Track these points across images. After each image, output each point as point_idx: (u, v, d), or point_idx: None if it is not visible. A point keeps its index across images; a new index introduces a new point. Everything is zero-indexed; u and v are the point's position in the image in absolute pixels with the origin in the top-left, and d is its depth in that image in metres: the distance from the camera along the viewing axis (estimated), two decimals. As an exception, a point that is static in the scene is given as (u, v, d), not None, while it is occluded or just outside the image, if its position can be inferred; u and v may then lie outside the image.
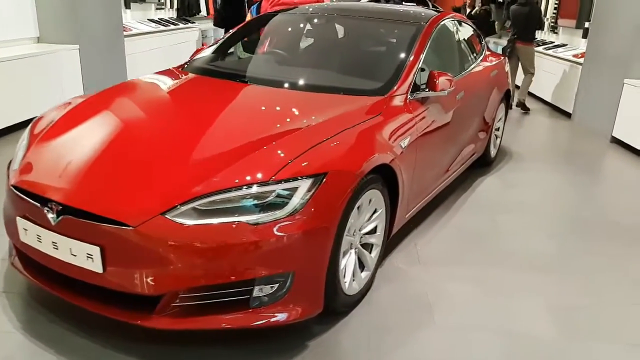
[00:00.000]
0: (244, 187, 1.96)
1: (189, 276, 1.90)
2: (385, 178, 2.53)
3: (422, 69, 3.13)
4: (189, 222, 1.89)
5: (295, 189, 1.99)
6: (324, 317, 2.35)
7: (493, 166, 4.82)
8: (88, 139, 2.32)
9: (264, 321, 2.01)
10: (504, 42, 8.94)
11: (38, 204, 2.04)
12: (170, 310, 1.95)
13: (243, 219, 1.91)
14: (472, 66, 4.03)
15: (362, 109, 2.62)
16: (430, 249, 3.13)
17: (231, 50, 3.66)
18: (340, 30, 3.59)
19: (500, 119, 4.87)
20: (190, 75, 3.15)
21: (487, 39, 11.18)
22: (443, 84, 2.96)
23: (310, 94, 2.82)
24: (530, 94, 8.64)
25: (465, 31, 4.30)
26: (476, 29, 4.62)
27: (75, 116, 2.54)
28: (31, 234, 2.09)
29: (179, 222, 1.88)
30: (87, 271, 1.97)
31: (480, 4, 11.04)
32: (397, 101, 2.82)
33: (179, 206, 1.90)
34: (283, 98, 2.82)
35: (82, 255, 1.96)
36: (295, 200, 1.98)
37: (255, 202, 1.95)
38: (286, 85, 2.94)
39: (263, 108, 2.68)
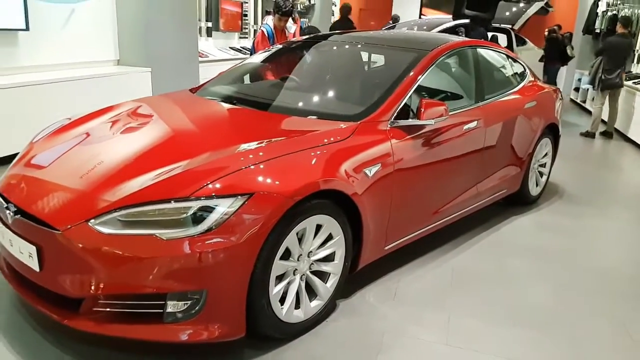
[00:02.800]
0: (163, 201, 2.01)
1: (105, 283, 1.98)
2: (346, 205, 2.46)
3: (424, 96, 3.02)
4: (108, 231, 1.97)
5: (213, 208, 2.00)
6: (262, 342, 2.32)
7: (534, 206, 4.44)
8: (55, 150, 2.53)
9: (180, 337, 2.03)
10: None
11: (5, 204, 2.25)
12: (92, 314, 2.04)
13: (157, 232, 1.96)
14: (498, 96, 3.79)
15: (327, 133, 2.58)
16: (412, 287, 2.95)
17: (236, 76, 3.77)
18: (340, 56, 3.57)
19: (545, 154, 4.50)
20: (185, 95, 3.31)
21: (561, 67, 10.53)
22: (430, 113, 2.82)
23: (281, 117, 2.84)
24: (617, 131, 7.94)
25: (497, 61, 4.07)
26: (519, 60, 4.35)
27: (63, 130, 2.79)
28: (1, 232, 2.31)
29: (98, 231, 1.98)
30: (29, 268, 2.14)
31: (547, 31, 10.48)
32: (374, 128, 2.73)
33: (101, 215, 2.00)
34: (250, 119, 2.86)
35: (26, 253, 2.12)
36: (212, 219, 1.99)
37: (172, 217, 1.99)
38: (262, 106, 2.98)
39: (222, 127, 2.75)
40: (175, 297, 2.00)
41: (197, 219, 1.99)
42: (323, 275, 2.51)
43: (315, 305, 2.47)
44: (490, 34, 10.10)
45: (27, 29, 5.21)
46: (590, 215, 4.36)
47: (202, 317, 2.02)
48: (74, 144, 2.59)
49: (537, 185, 4.49)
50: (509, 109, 3.83)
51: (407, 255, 3.25)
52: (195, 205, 2.00)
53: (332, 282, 2.53)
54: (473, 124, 3.37)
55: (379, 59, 3.46)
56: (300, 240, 2.32)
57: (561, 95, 4.85)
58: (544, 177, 4.59)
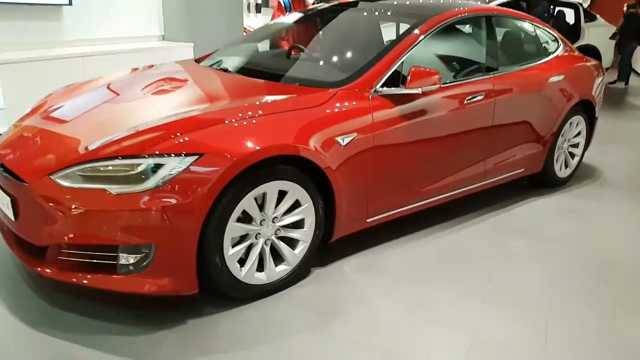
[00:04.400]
0: (114, 158, 2.09)
1: (65, 233, 2.10)
2: (316, 173, 2.44)
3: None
4: (67, 184, 2.09)
5: (161, 165, 2.06)
6: (224, 300, 2.37)
7: (560, 188, 4.16)
8: (44, 113, 2.69)
9: (132, 288, 2.13)
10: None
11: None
12: (57, 262, 2.18)
13: (108, 187, 2.05)
14: (515, 68, 3.55)
15: (299, 99, 2.55)
16: (394, 260, 2.88)
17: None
18: (338, 24, 3.48)
19: (578, 133, 4.19)
20: (185, 64, 3.38)
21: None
22: (419, 82, 2.71)
23: (263, 83, 2.84)
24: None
25: (518, 30, 3.82)
26: (549, 31, 4.05)
27: (55, 97, 2.95)
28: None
29: (59, 184, 2.10)
30: (8, 218, 2.31)
31: (626, 6, 9.56)
32: (355, 95, 2.66)
33: (63, 169, 2.12)
34: (231, 84, 2.90)
35: (5, 203, 2.30)
36: (159, 176, 2.05)
37: (122, 173, 2.07)
38: (249, 73, 2.99)
39: (198, 91, 2.79)
40: (126, 249, 2.09)
41: (145, 176, 2.05)
42: (293, 242, 2.52)
43: (281, 270, 2.48)
44: (557, 9, 9.48)
45: (70, 3, 5.52)
46: (621, 200, 4.02)
47: (152, 270, 2.10)
48: (61, 105, 2.74)
49: (566, 166, 4.20)
50: (528, 82, 3.58)
51: (400, 229, 3.17)
52: (143, 162, 2.07)
53: (301, 248, 2.53)
54: (479, 97, 3.19)
55: (382, 27, 3.35)
56: (263, 204, 2.33)
57: (603, 71, 4.47)
58: (576, 159, 4.27)
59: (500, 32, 3.62)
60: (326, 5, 3.81)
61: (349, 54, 3.19)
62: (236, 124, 2.28)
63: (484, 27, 3.42)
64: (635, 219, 3.71)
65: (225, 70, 3.10)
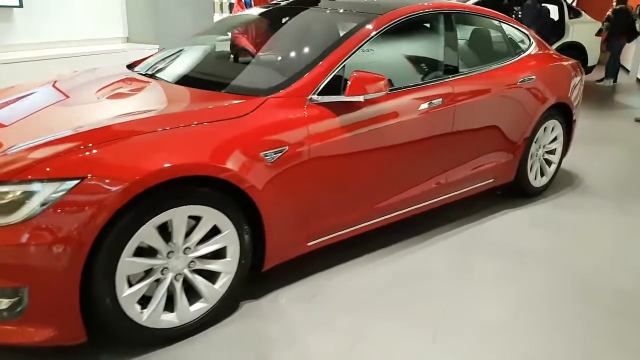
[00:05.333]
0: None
1: None
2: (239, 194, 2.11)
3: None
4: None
5: (33, 193, 1.73)
6: (128, 347, 2.04)
7: (536, 198, 3.84)
8: None
9: (9, 339, 1.79)
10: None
11: None
12: None
13: (-27, 219, 1.71)
14: (478, 70, 3.23)
15: (219, 109, 2.22)
16: (342, 288, 2.55)
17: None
18: (292, 24, 3.15)
19: (554, 139, 3.87)
20: (110, 70, 3.04)
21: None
22: (361, 88, 2.38)
23: (184, 89, 2.53)
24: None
25: (484, 29, 3.51)
26: (519, 28, 3.73)
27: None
28: None
29: None
30: None
31: (616, 1, 9.27)
32: (287, 104, 2.34)
33: None
34: (148, 92, 2.59)
35: None
36: (31, 206, 1.71)
37: (-8, 202, 1.73)
38: (175, 79, 2.67)
39: (107, 103, 2.47)
40: (-3, 293, 1.75)
41: (15, 205, 1.72)
42: (213, 275, 2.19)
43: (198, 308, 2.15)
44: (541, 5, 9.18)
45: (21, 5, 5.17)
46: (604, 209, 3.70)
47: (28, 317, 1.77)
48: None
49: (542, 175, 3.88)
50: (493, 85, 3.26)
51: (351, 250, 2.84)
52: (12, 190, 1.73)
53: (222, 282, 2.20)
54: (435, 102, 2.87)
55: (323, 28, 3.01)
56: (170, 234, 2.00)
57: (582, 71, 4.16)
58: (553, 166, 3.95)
59: (463, 31, 3.30)
60: (284, 2, 3.48)
61: (289, 58, 2.86)
62: (135, 140, 1.94)
63: (443, 26, 3.08)
64: (620, 231, 3.40)
65: (152, 77, 2.77)
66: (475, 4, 8.02)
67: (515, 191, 3.76)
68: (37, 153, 1.84)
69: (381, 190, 2.76)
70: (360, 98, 2.42)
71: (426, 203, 3.07)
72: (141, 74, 2.81)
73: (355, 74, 2.40)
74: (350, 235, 2.70)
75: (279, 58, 2.88)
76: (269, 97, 2.33)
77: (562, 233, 3.30)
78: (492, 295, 2.58)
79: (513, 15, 8.22)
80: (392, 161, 2.74)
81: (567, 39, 8.59)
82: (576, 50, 8.65)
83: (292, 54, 2.87)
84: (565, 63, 4.00)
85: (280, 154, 2.21)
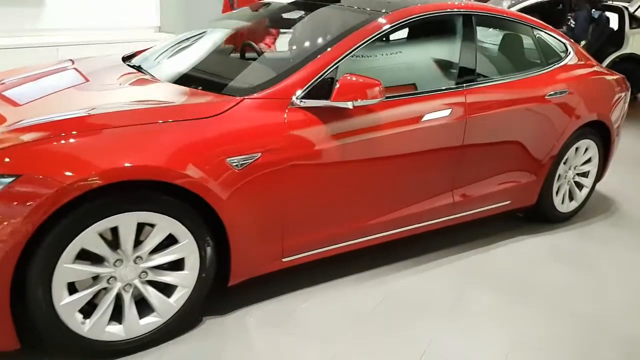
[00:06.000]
0: None
1: None
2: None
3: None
4: None
5: (-40, 190, 1.60)
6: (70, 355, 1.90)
7: (561, 225, 3.47)
8: None
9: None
10: None
11: None
12: None
13: None
14: (501, 79, 2.92)
15: (186, 108, 2.04)
16: (318, 312, 2.33)
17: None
18: (281, 21, 2.94)
19: (588, 160, 3.49)
20: (104, 61, 2.90)
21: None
22: (351, 93, 2.15)
23: (160, 84, 2.35)
24: None
25: (510, 34, 3.18)
26: (555, 35, 3.37)
27: None
28: None
29: None
30: None
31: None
32: (266, 106, 2.13)
33: None
34: (125, 85, 2.43)
35: None
36: (-43, 204, 1.58)
37: None
38: (159, 73, 2.49)
39: (77, 94, 2.32)
40: None
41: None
42: (170, 287, 2.01)
43: (149, 322, 1.98)
44: (598, 13, 8.55)
45: (51, -10, 5.20)
46: (636, 246, 3.30)
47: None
48: None
49: (571, 199, 3.50)
50: (515, 96, 2.93)
51: (335, 269, 2.61)
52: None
53: (178, 296, 2.02)
54: (444, 113, 2.59)
55: (324, 26, 2.77)
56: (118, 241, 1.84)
57: (627, 87, 3.74)
58: (584, 191, 3.56)
59: (488, 37, 2.99)
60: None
61: (278, 56, 2.65)
62: (82, 138, 1.79)
63: (459, 29, 2.78)
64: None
65: (139, 69, 2.61)
66: (525, 9, 7.58)
67: (538, 215, 3.41)
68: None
69: (372, 207, 2.51)
70: (349, 105, 2.18)
71: (427, 223, 2.79)
72: (130, 66, 2.67)
73: (344, 78, 2.17)
74: (332, 254, 2.47)
75: (268, 56, 2.67)
76: (245, 97, 2.12)
77: (581, 270, 2.93)
78: (484, 335, 2.29)
79: (569, 23, 7.69)
80: (386, 176, 2.49)
81: (625, 50, 7.96)
82: (635, 63, 8.02)
83: (282, 52, 2.66)
84: (608, 77, 3.61)
85: (250, 160, 2.01)
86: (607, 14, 8.32)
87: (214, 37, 3.03)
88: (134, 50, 3.06)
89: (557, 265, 2.96)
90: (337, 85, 2.16)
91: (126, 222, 1.81)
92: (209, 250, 2.02)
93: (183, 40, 3.02)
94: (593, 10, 8.34)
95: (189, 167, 1.87)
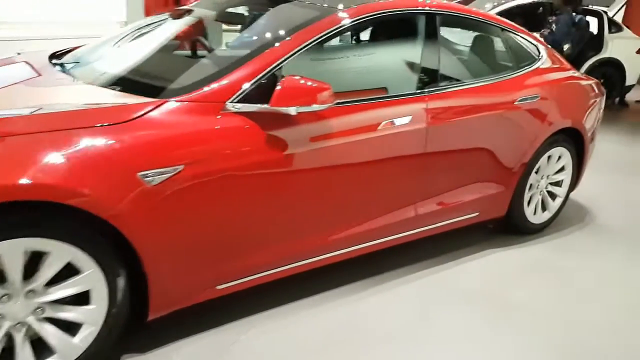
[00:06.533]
0: None
1: None
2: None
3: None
4: None
5: None
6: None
7: (536, 236, 3.23)
8: None
9: None
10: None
11: None
12: None
13: None
14: (465, 84, 2.68)
15: (89, 113, 1.75)
16: (260, 345, 2.05)
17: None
18: (225, 17, 2.67)
19: (561, 169, 3.27)
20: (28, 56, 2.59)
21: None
22: (288, 97, 1.88)
23: (77, 86, 2.08)
24: None
25: (478, 35, 2.95)
26: (528, 37, 3.15)
27: None
28: None
29: None
30: None
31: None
32: (195, 111, 1.85)
33: None
34: (40, 85, 2.17)
35: None
36: None
37: None
38: (82, 73, 2.22)
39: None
40: None
41: None
42: (74, 325, 1.72)
43: (47, 364, 1.69)
44: (578, 17, 8.43)
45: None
46: (614, 256, 3.06)
47: None
48: None
49: (543, 209, 3.28)
50: (481, 102, 2.69)
51: (282, 294, 2.33)
52: None
53: (84, 334, 1.73)
54: (403, 121, 2.34)
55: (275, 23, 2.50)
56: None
57: (602, 92, 3.54)
58: (558, 200, 3.34)
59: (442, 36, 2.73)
60: None
61: (221, 55, 2.38)
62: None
63: (422, 29, 2.53)
64: (626, 287, 2.77)
65: (62, 68, 2.31)
66: (504, 12, 7.41)
67: (509, 227, 3.19)
68: None
69: (322, 223, 2.25)
70: (291, 110, 1.91)
71: (388, 239, 2.54)
72: (56, 65, 2.37)
73: (287, 80, 1.91)
74: (278, 277, 2.20)
75: (211, 54, 2.39)
76: (168, 100, 1.84)
77: (556, 287, 2.70)
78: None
79: (550, 27, 7.52)
80: (338, 190, 2.23)
81: (604, 54, 7.86)
82: (614, 68, 7.91)
83: (225, 50, 2.39)
84: (582, 82, 3.40)
85: (169, 174, 1.73)
86: (587, 18, 8.21)
87: (166, 30, 2.74)
88: (71, 47, 2.75)
89: (530, 281, 2.73)
90: (278, 88, 1.89)
91: (10, 251, 1.52)
92: (120, 281, 1.73)
93: (130, 33, 2.72)
94: (574, 14, 8.20)
95: (86, 184, 1.58)
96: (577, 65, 7.67)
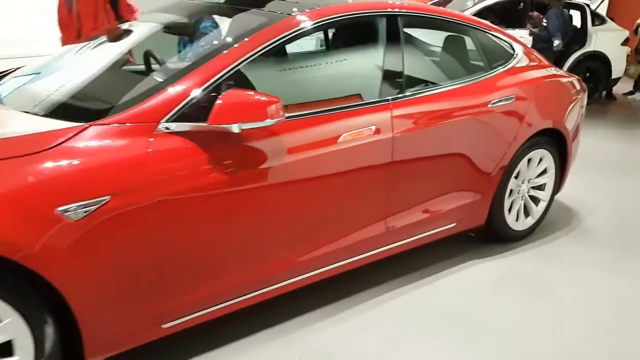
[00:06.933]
0: None
1: None
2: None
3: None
4: None
5: None
6: None
7: (517, 244, 3.07)
8: None
9: None
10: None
11: None
12: None
13: None
14: (434, 88, 2.52)
15: (8, 142, 1.58)
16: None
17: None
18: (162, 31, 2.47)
19: (544, 171, 3.11)
20: None
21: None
22: (229, 113, 1.71)
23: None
24: None
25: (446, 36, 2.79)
26: (501, 35, 2.99)
27: None
28: None
29: None
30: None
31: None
32: (122, 134, 1.68)
33: None
34: None
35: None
36: None
37: None
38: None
39: None
40: None
41: None
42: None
43: None
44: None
45: None
46: (601, 263, 2.90)
47: None
48: None
49: (526, 215, 3.12)
50: (450, 108, 2.52)
51: (243, 326, 2.16)
52: None
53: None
54: (366, 132, 2.17)
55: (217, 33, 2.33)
56: None
57: (584, 89, 3.38)
58: (542, 205, 3.18)
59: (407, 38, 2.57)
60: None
61: (161, 70, 2.20)
62: None
63: (383, 33, 2.35)
64: (611, 299, 2.61)
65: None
66: (485, 9, 7.27)
67: (491, 235, 3.02)
68: None
69: (278, 247, 2.07)
70: (234, 127, 1.74)
71: (356, 258, 2.37)
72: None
73: (227, 95, 1.74)
74: (234, 309, 2.02)
75: (155, 69, 2.22)
76: (90, 124, 1.67)
77: (539, 302, 2.53)
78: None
79: (542, 23, 7.37)
80: (292, 210, 2.05)
81: (588, 48, 7.73)
82: (599, 61, 7.78)
83: (164, 65, 2.22)
84: (563, 79, 3.25)
85: (94, 207, 1.55)
86: (570, 12, 8.08)
87: (108, 47, 2.56)
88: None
89: (508, 297, 2.56)
90: (218, 104, 1.72)
91: None
92: (47, 329, 1.56)
93: (69, 52, 2.54)
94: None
95: (17, 221, 1.41)
96: (561, 61, 7.60)
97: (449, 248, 2.90)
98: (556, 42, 7.16)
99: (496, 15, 7.33)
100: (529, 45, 7.08)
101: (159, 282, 1.76)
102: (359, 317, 2.30)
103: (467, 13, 6.76)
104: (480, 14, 6.95)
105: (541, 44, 7.34)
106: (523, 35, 7.15)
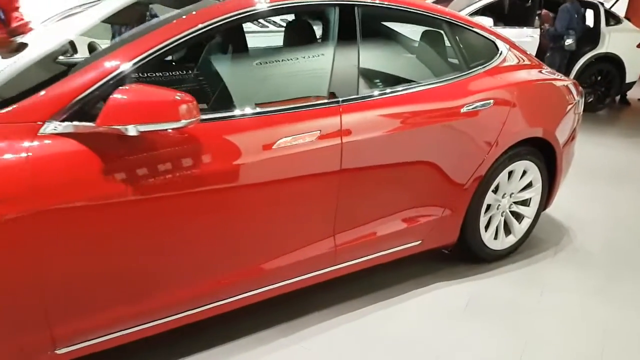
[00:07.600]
0: None
1: None
2: None
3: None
4: None
5: None
6: None
7: (493, 266, 2.78)
8: None
9: None
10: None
11: None
12: None
13: None
14: (397, 90, 2.23)
15: None
16: None
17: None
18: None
19: (528, 185, 2.81)
20: None
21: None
22: (123, 113, 1.46)
23: None
24: None
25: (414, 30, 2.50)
26: (482, 31, 2.69)
27: None
28: None
29: None
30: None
31: None
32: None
33: None
34: None
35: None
36: None
37: None
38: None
39: None
40: None
41: None
42: None
43: None
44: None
45: None
46: (587, 290, 2.60)
47: None
48: None
49: (507, 233, 2.83)
50: (416, 113, 2.24)
51: (166, 352, 1.92)
52: None
53: None
54: (308, 138, 1.90)
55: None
56: None
57: (581, 94, 3.06)
58: (526, 222, 2.88)
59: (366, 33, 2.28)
60: None
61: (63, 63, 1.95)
62: None
63: (336, 25, 2.07)
64: (601, 331, 2.30)
65: None
66: (488, 6, 6.88)
67: (467, 254, 2.74)
68: None
69: (201, 268, 1.82)
70: (130, 129, 1.48)
71: (299, 279, 2.10)
72: None
73: (123, 90, 1.48)
74: (150, 334, 1.78)
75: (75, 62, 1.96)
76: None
77: (507, 330, 2.25)
78: None
79: (540, 19, 6.99)
80: (216, 223, 1.80)
81: (601, 49, 7.31)
82: (612, 64, 7.36)
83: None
84: (556, 82, 2.93)
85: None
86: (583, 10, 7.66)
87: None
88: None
89: (479, 326, 2.28)
90: (111, 101, 1.47)
91: None
92: None
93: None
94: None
95: None
96: (571, 62, 7.21)
97: (418, 266, 2.64)
98: (568, 41, 6.77)
99: (503, 12, 6.97)
100: (537, 45, 6.75)
101: (50, 303, 1.52)
102: (304, 344, 2.04)
103: (471, 9, 6.43)
104: (484, 10, 6.59)
105: (551, 43, 6.98)
106: (532, 34, 6.80)
